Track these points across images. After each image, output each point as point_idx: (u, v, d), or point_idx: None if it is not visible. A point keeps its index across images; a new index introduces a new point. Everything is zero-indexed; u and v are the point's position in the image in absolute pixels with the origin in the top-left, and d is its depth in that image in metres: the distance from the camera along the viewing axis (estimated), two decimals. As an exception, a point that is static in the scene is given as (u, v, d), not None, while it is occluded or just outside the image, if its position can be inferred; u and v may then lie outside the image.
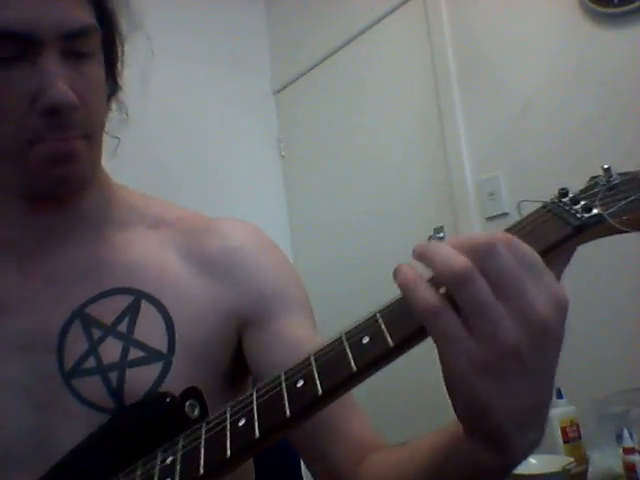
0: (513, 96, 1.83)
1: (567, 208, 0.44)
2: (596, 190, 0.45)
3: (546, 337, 0.38)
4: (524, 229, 0.44)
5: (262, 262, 0.71)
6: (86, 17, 0.62)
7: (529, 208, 0.46)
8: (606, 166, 0.46)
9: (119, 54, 0.70)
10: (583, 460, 1.23)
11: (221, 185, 2.45)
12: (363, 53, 2.32)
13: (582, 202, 0.44)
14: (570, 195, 0.45)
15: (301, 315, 0.70)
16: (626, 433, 1.12)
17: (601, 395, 1.27)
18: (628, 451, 1.11)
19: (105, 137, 0.69)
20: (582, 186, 0.47)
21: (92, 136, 0.64)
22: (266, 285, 0.70)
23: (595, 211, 0.43)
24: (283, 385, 0.46)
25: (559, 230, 0.43)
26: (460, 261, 0.38)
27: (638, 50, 1.57)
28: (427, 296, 0.39)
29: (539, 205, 0.46)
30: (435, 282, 0.40)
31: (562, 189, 0.45)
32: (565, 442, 1.27)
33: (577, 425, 1.28)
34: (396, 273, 0.41)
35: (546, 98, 1.75)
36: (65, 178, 0.63)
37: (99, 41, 0.65)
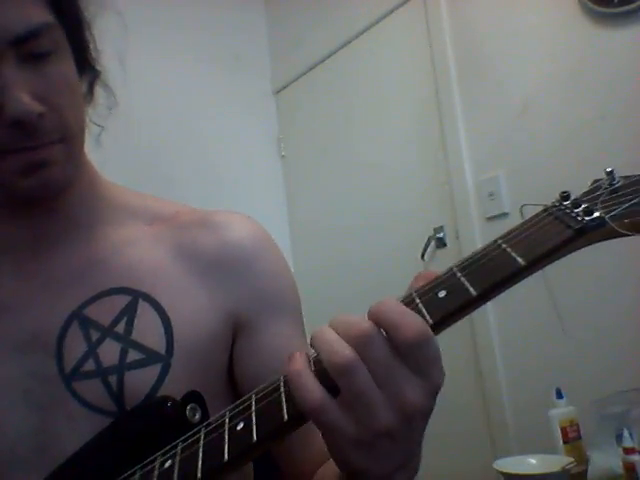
0: (513, 96, 1.82)
1: (568, 211, 0.44)
2: (598, 193, 0.45)
3: (415, 419, 0.42)
4: (525, 232, 0.44)
5: (259, 263, 0.70)
6: (37, 15, 0.57)
7: (531, 211, 0.46)
8: (609, 169, 0.45)
9: (89, 40, 0.66)
10: (583, 460, 1.23)
11: (221, 185, 2.44)
12: (363, 53, 2.32)
13: (583, 205, 0.44)
14: (572, 198, 0.45)
15: (293, 324, 0.69)
16: (626, 433, 1.12)
17: (601, 395, 1.27)
18: (628, 451, 1.11)
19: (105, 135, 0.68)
20: (583, 188, 0.47)
21: (68, 137, 0.61)
22: (261, 291, 0.68)
23: (596, 214, 0.43)
24: (282, 389, 0.45)
25: (560, 233, 0.43)
26: (343, 353, 0.41)
27: (638, 50, 1.56)
28: (313, 392, 0.42)
29: (541, 208, 0.45)
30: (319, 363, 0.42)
31: (563, 192, 0.45)
32: (565, 442, 1.27)
33: (577, 425, 1.28)
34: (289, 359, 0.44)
35: (546, 98, 1.75)
36: (42, 185, 0.60)
37: (60, 35, 0.60)
